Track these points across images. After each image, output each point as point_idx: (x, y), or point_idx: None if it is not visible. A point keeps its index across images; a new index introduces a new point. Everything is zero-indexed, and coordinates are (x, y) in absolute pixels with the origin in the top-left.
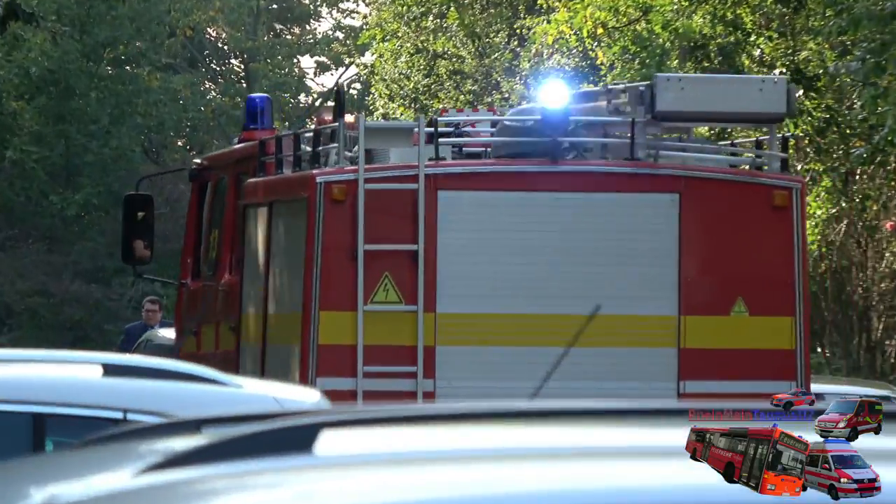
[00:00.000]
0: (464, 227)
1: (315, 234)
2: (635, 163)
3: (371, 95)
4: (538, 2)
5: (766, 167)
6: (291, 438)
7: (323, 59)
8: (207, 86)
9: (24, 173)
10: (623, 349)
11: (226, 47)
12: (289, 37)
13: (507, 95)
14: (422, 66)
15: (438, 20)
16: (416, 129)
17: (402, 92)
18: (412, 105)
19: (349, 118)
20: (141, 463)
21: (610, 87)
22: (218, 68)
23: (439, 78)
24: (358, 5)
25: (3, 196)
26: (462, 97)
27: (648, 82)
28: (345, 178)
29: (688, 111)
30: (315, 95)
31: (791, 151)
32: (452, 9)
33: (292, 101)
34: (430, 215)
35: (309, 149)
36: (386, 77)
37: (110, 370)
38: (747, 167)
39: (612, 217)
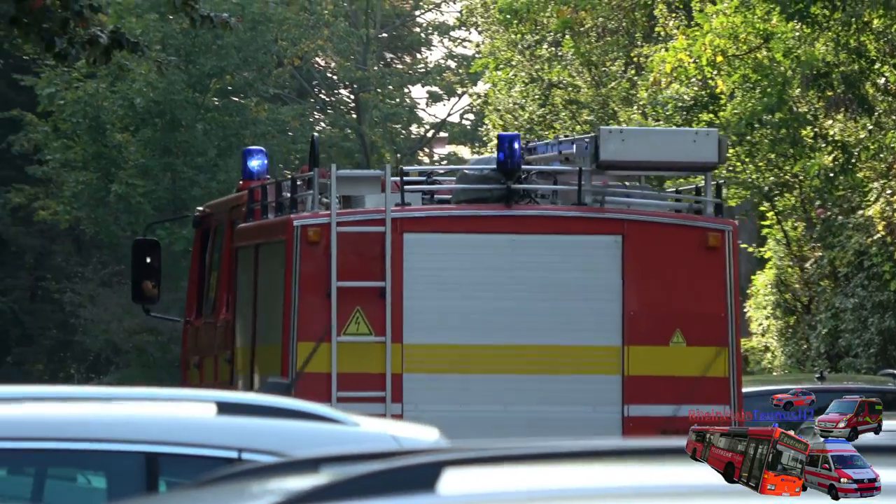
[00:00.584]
0: (428, 266)
1: (293, 272)
2: (582, 207)
3: (484, 126)
4: (656, 29)
5: (703, 211)
6: (414, 477)
7: (435, 88)
8: (316, 116)
9: (130, 207)
10: (573, 376)
11: (335, 77)
12: (399, 66)
13: (624, 125)
14: (536, 96)
15: (553, 48)
16: (382, 177)
17: (516, 122)
18: (526, 136)
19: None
20: None
21: (561, 139)
22: (327, 98)
23: (554, 108)
24: (470, 33)
25: (109, 231)
26: (578, 127)
27: (593, 134)
28: (319, 221)
29: (628, 161)
30: (427, 126)
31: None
32: (567, 37)
33: (403, 132)
34: (396, 255)
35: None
36: (500, 107)
37: (224, 408)
38: (687, 211)
39: (562, 256)
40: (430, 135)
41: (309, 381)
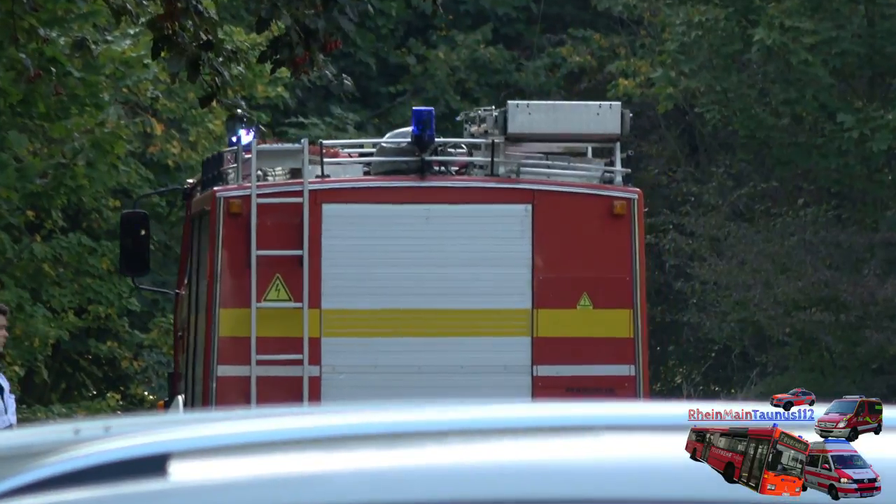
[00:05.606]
0: (345, 235)
1: (216, 242)
2: (494, 178)
3: None
4: None
5: (613, 181)
6: None
7: None
8: None
9: None
10: (485, 339)
11: None
12: None
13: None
14: None
15: None
16: (302, 150)
17: None
18: None
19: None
20: None
21: (481, 113)
22: None
23: None
24: None
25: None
26: None
27: (504, 108)
28: (241, 193)
29: (535, 133)
30: None
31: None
32: None
33: None
34: (314, 225)
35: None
36: None
37: None
38: (601, 181)
39: (475, 225)
40: None
41: (231, 345)
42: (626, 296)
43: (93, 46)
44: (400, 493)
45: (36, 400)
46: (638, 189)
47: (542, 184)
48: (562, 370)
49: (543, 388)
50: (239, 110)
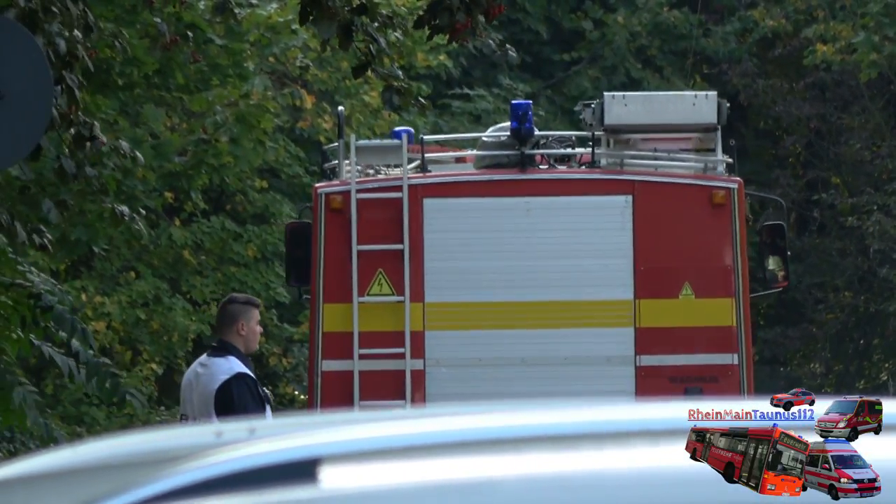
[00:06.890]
0: (447, 229)
1: (319, 238)
2: (595, 170)
3: None
4: None
5: (716, 170)
6: None
7: None
8: None
9: None
10: (588, 330)
11: None
12: None
13: None
14: None
15: None
16: (402, 146)
17: None
18: None
19: None
20: None
21: (585, 105)
22: None
23: None
24: None
25: None
26: None
27: (600, 100)
28: (341, 189)
29: (632, 124)
30: None
31: None
32: None
33: None
34: (415, 219)
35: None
36: None
37: None
38: (704, 171)
39: (575, 217)
40: None
41: (335, 340)
42: (728, 284)
43: (236, 10)
44: (576, 501)
45: (175, 401)
46: (739, 178)
47: (642, 175)
48: (665, 360)
49: (647, 378)
50: (395, 82)
